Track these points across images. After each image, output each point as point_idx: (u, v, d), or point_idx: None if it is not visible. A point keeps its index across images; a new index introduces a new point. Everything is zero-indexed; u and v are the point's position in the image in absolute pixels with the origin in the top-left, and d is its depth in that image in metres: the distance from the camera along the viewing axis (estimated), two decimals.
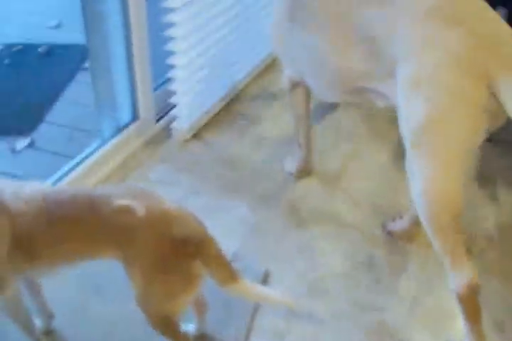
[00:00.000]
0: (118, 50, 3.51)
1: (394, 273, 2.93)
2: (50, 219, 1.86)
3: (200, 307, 2.43)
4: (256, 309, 2.67)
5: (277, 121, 4.01)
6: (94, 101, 3.68)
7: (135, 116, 3.73)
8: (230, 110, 4.17)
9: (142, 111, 3.72)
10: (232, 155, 3.74)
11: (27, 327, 2.13)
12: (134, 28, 3.41)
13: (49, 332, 2.42)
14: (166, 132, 3.83)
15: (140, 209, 2.03)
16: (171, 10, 3.40)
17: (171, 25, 3.48)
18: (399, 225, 2.93)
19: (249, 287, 2.14)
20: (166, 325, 2.17)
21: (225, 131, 3.97)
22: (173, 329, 2.19)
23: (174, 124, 3.77)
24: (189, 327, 2.52)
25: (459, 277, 2.05)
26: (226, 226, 3.13)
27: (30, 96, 4.38)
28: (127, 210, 2.03)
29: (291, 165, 3.50)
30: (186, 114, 3.81)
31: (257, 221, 3.20)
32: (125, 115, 3.74)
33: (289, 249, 2.91)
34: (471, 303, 2.06)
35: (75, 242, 2.02)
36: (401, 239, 3.11)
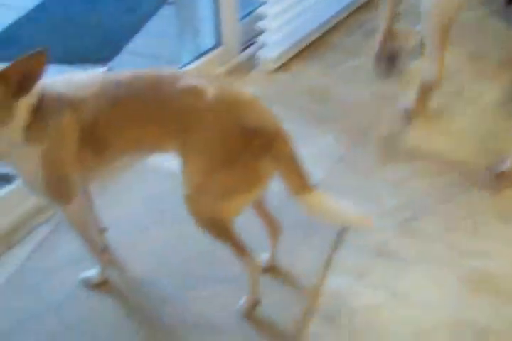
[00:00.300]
0: None
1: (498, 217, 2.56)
2: (111, 103, 1.74)
3: (274, 229, 2.18)
4: (337, 243, 2.44)
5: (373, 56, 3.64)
6: (178, 28, 3.57)
7: (218, 42, 3.53)
8: (322, 43, 3.94)
9: (226, 37, 3.50)
10: (322, 88, 3.49)
11: (92, 240, 2.05)
12: None
13: (105, 248, 2.25)
14: (252, 61, 3.54)
15: (209, 92, 1.77)
16: None
17: None
18: (506, 168, 2.64)
19: (323, 199, 1.85)
20: (217, 227, 1.92)
21: (315, 64, 3.73)
22: (226, 232, 1.92)
23: (260, 52, 3.49)
24: (262, 257, 2.27)
25: None
26: (310, 157, 2.74)
27: (112, 28, 4.41)
28: (194, 91, 1.79)
29: (408, 102, 3.20)
30: (274, 43, 3.59)
31: (345, 154, 2.96)
32: (207, 40, 3.56)
33: (378, 186, 2.78)
34: None
35: (138, 127, 1.83)
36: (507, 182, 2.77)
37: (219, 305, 2.15)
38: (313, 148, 2.95)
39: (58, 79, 1.77)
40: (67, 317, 2.12)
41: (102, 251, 2.11)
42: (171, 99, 1.78)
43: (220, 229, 1.89)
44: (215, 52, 3.49)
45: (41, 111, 1.67)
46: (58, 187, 1.82)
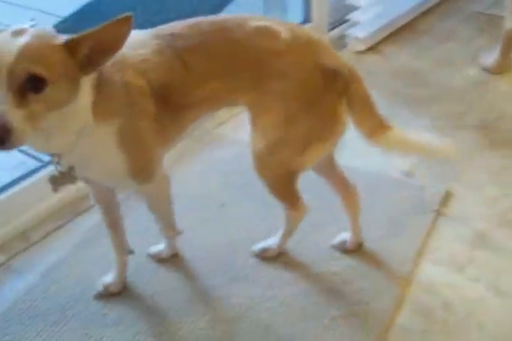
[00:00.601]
0: None
1: None
2: (175, 58, 1.57)
3: (349, 196, 2.05)
4: (431, 230, 2.26)
5: (469, 43, 3.56)
6: (265, 2, 3.47)
7: (306, 19, 3.39)
8: (414, 26, 3.78)
9: (315, 14, 3.37)
10: (414, 71, 3.33)
11: (170, 216, 1.94)
12: None
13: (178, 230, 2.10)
14: (340, 41, 3.37)
15: (283, 33, 1.62)
16: None
17: None
18: None
19: (404, 134, 1.73)
20: (286, 182, 1.83)
21: (407, 47, 3.57)
22: (292, 186, 1.83)
23: (350, 31, 3.31)
24: (343, 236, 2.16)
25: None
26: None
27: (197, 6, 4.23)
28: (268, 33, 1.63)
29: (488, 59, 3.10)
30: (365, 22, 3.46)
31: (440, 138, 2.58)
32: (295, 16, 3.44)
33: (477, 172, 2.58)
34: None
35: (213, 79, 1.65)
36: None
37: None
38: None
39: None
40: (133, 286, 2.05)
41: (175, 229, 1.97)
42: (243, 43, 1.61)
43: (288, 184, 1.81)
44: None
45: (104, 82, 1.44)
46: (143, 166, 1.61)
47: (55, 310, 1.98)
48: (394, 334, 1.88)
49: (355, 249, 2.10)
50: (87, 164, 1.54)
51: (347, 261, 2.09)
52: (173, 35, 1.56)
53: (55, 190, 1.63)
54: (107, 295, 2.00)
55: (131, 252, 2.03)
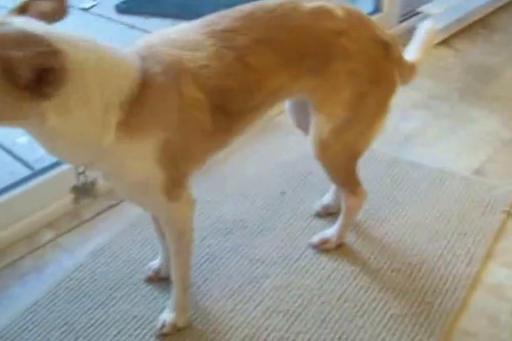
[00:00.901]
0: None
1: None
2: (237, 59, 1.45)
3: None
4: (500, 230, 2.16)
5: None
6: None
7: (377, 8, 3.31)
8: (488, 22, 3.66)
9: (386, 4, 3.28)
10: (488, 67, 3.21)
11: (186, 260, 1.72)
12: None
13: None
14: (410, 33, 3.21)
15: (338, 10, 1.56)
16: None
17: None
18: None
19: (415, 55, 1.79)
20: (350, 165, 1.81)
21: (478, 42, 3.46)
22: (354, 168, 1.83)
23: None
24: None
25: None
26: (471, 138, 2.65)
27: None
28: (325, 13, 1.56)
29: None
30: (437, 17, 3.32)
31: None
32: (366, 5, 3.33)
33: None
34: None
35: (277, 73, 1.54)
36: None
37: None
38: (475, 129, 2.70)
39: (151, 40, 1.43)
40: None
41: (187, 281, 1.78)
42: (304, 29, 1.53)
43: (351, 168, 1.80)
44: (373, 18, 3.13)
45: (148, 92, 1.32)
46: (179, 182, 1.50)
47: (103, 291, 1.93)
48: (456, 339, 1.77)
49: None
50: (115, 178, 1.45)
51: (410, 259, 1.99)
52: (228, 32, 1.44)
53: (77, 201, 1.55)
54: (157, 279, 1.92)
55: None
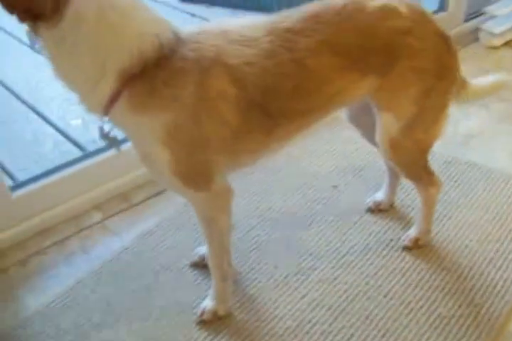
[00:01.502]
0: None
1: None
2: (293, 60, 1.43)
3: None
4: None
5: None
6: None
7: (442, 7, 3.30)
8: None
9: (452, 3, 3.26)
10: None
11: (224, 245, 1.70)
12: None
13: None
14: (474, 34, 3.23)
15: (402, 7, 1.55)
16: None
17: None
18: None
19: (477, 83, 1.80)
20: (422, 159, 1.82)
21: None
22: (427, 166, 1.84)
23: (485, 25, 3.15)
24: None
25: None
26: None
27: None
28: (390, 11, 1.54)
29: None
30: (503, 17, 3.29)
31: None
32: (431, 3, 3.31)
33: None
34: None
35: (337, 78, 1.54)
36: None
37: None
38: None
39: (207, 28, 1.44)
40: None
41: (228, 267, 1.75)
42: (371, 30, 1.52)
43: (423, 161, 1.80)
44: (437, 16, 3.24)
45: (169, 71, 1.33)
46: (194, 170, 1.47)
47: (147, 274, 1.96)
48: None
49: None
50: (132, 141, 1.47)
51: (460, 260, 1.97)
52: (291, 32, 1.42)
53: (103, 140, 1.56)
54: (202, 265, 1.93)
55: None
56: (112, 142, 1.53)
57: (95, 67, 1.33)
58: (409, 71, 1.57)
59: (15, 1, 1.20)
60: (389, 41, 1.52)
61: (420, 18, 1.57)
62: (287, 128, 1.57)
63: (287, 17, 1.48)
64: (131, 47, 1.31)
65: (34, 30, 1.29)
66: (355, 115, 1.82)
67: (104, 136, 1.54)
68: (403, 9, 1.53)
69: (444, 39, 1.59)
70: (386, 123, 1.64)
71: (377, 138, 1.69)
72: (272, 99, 1.45)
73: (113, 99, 1.36)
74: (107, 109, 1.38)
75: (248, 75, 1.38)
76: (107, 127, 1.54)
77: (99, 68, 1.33)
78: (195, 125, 1.38)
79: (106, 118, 1.45)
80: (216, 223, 1.62)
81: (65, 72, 1.36)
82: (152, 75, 1.32)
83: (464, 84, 1.73)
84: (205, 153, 1.45)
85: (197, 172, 1.47)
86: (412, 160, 1.77)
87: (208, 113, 1.38)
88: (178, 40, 1.35)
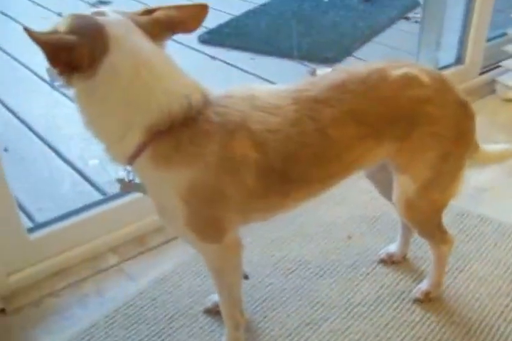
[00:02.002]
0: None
1: None
2: (317, 130, 1.50)
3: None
4: None
5: None
6: (418, 40, 3.48)
7: (459, 60, 3.40)
8: None
9: (469, 56, 3.36)
10: None
11: (235, 296, 1.77)
12: None
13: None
14: (489, 86, 3.30)
15: (423, 76, 1.62)
16: None
17: None
18: None
19: (490, 148, 1.87)
20: (436, 218, 1.89)
21: None
22: (441, 224, 1.92)
23: (501, 78, 3.22)
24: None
25: None
26: None
27: (344, 33, 4.46)
28: (412, 80, 1.62)
29: None
30: None
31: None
32: (447, 56, 3.42)
33: None
34: None
35: (357, 146, 1.62)
36: None
37: None
38: None
39: (235, 92, 1.50)
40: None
41: (240, 315, 1.80)
42: (393, 99, 1.59)
43: (437, 220, 1.87)
44: (453, 69, 3.35)
45: (189, 131, 1.41)
46: (208, 223, 1.54)
47: (161, 320, 2.01)
48: None
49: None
50: (149, 190, 1.54)
51: (470, 314, 2.03)
52: (315, 101, 1.49)
53: (122, 190, 1.65)
54: (216, 312, 1.96)
55: (246, 277, 2.05)
56: (136, 188, 1.61)
57: (124, 120, 1.42)
58: (428, 136, 1.63)
59: (57, 55, 1.29)
60: (410, 110, 1.59)
61: (441, 86, 1.63)
62: (305, 191, 1.65)
63: (313, 85, 1.55)
64: (161, 105, 1.40)
65: (68, 81, 1.38)
66: (372, 172, 1.88)
67: (126, 185, 1.61)
68: (424, 78, 1.60)
69: (463, 106, 1.65)
70: (403, 184, 1.71)
71: (394, 198, 1.76)
72: (292, 165, 1.52)
73: (138, 152, 1.44)
74: (130, 160, 1.46)
75: (270, 142, 1.44)
76: (130, 175, 1.63)
77: (128, 122, 1.42)
78: (214, 184, 1.45)
79: (128, 167, 1.53)
80: (225, 275, 1.69)
81: (94, 122, 1.44)
82: (178, 133, 1.40)
83: (476, 148, 1.77)
84: (221, 210, 1.51)
85: (211, 226, 1.53)
86: (426, 219, 1.83)
87: (229, 174, 1.44)
88: (207, 102, 1.42)
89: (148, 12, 1.43)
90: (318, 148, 1.54)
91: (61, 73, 1.35)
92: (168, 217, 1.56)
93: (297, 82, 1.61)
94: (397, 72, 1.60)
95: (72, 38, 1.30)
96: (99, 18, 1.35)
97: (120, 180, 1.65)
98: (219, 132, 1.42)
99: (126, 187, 1.64)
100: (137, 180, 1.64)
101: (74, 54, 1.30)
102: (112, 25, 1.36)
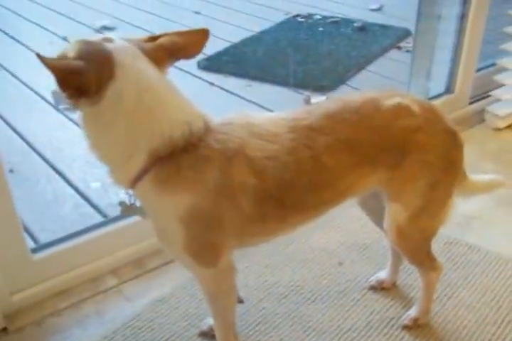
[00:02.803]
0: (449, 30, 3.34)
1: None
2: (312, 158, 1.52)
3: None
4: None
5: None
6: (410, 69, 3.51)
7: (449, 89, 3.42)
8: None
9: (459, 86, 3.38)
10: None
11: (228, 318, 1.77)
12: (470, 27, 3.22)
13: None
14: (479, 115, 3.34)
15: (414, 106, 1.65)
16: None
17: None
18: None
19: (476, 178, 1.89)
20: (426, 245, 1.91)
21: None
22: (430, 252, 1.93)
23: (491, 107, 3.27)
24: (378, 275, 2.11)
25: None
26: None
27: (338, 61, 4.51)
28: (403, 110, 1.65)
29: None
30: (508, 100, 3.40)
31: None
32: (438, 86, 3.44)
33: None
34: None
35: (349, 174, 1.64)
36: None
37: None
38: None
39: (234, 120, 1.52)
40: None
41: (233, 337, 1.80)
42: (385, 129, 1.62)
43: (427, 248, 1.89)
44: (444, 98, 3.37)
45: (190, 158, 1.43)
46: (205, 248, 1.55)
47: None
48: None
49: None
50: (148, 214, 1.56)
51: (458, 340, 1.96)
52: (311, 130, 1.51)
53: (123, 213, 1.67)
54: (211, 335, 1.97)
55: (241, 301, 2.06)
56: (136, 211, 1.63)
57: (127, 145, 1.44)
58: (419, 164, 1.66)
59: (66, 79, 1.32)
60: (401, 139, 1.62)
61: (431, 115, 1.67)
62: (300, 217, 1.67)
63: (309, 113, 1.58)
64: (163, 131, 1.42)
65: (76, 105, 1.41)
66: (364, 199, 1.92)
67: (127, 208, 1.64)
68: (415, 108, 1.64)
69: (452, 135, 1.68)
70: (395, 212, 1.73)
71: (385, 225, 1.78)
72: (288, 192, 1.54)
73: (140, 176, 1.46)
74: (133, 183, 1.48)
75: (268, 169, 1.46)
76: (132, 199, 1.66)
77: (131, 147, 1.44)
78: (213, 209, 1.46)
79: (130, 191, 1.55)
80: (220, 299, 1.71)
81: (99, 146, 1.47)
82: (179, 159, 1.42)
83: (464, 177, 1.80)
84: (218, 234, 1.53)
85: (207, 250, 1.55)
86: (416, 246, 1.85)
87: (227, 200, 1.46)
88: (207, 129, 1.45)
89: (153, 38, 1.47)
90: (314, 176, 1.56)
91: (69, 97, 1.38)
92: (166, 241, 1.58)
93: (294, 110, 1.65)
94: (389, 102, 1.63)
95: (80, 63, 1.33)
96: (107, 45, 1.37)
97: (122, 203, 1.67)
98: (219, 159, 1.44)
99: (128, 210, 1.66)
100: (138, 204, 1.64)
101: (82, 79, 1.33)
102: (118, 52, 1.38)
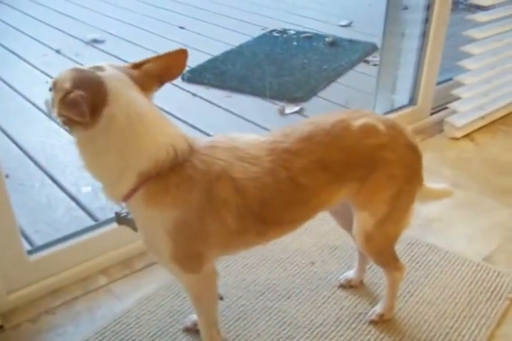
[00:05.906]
0: (412, 47, 3.41)
1: None
2: (289, 179, 1.56)
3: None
4: (503, 315, 2.21)
5: None
6: (376, 82, 3.57)
7: (412, 101, 3.48)
8: (508, 120, 3.75)
9: (421, 98, 3.44)
10: (502, 162, 3.28)
11: (211, 319, 1.81)
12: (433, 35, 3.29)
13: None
14: (438, 126, 3.41)
15: (380, 125, 1.70)
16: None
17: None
18: None
19: (431, 187, 1.91)
20: (390, 248, 1.95)
21: (501, 138, 3.54)
22: (393, 249, 1.93)
23: (449, 119, 3.33)
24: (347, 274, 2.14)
25: None
26: (482, 227, 2.70)
27: (311, 74, 4.54)
28: (371, 129, 1.69)
29: None
30: (465, 112, 3.47)
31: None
32: (402, 98, 3.50)
33: None
34: None
35: (323, 191, 1.68)
36: None
37: None
38: (490, 219, 2.75)
39: (219, 143, 1.54)
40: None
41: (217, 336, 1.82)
42: (355, 148, 1.65)
43: (391, 250, 1.92)
44: (407, 110, 3.42)
45: (176, 178, 1.45)
46: (190, 256, 1.58)
47: (145, 337, 2.02)
48: None
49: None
50: (139, 228, 1.57)
51: (419, 335, 2.06)
52: (288, 152, 1.54)
53: (117, 223, 1.69)
54: (195, 330, 2.00)
55: (221, 298, 2.09)
56: (129, 223, 1.64)
57: (118, 166, 1.46)
58: (385, 178, 1.69)
59: (64, 111, 1.35)
60: (368, 155, 1.66)
61: (395, 133, 1.70)
62: (278, 231, 1.71)
63: (286, 136, 1.61)
64: (150, 154, 1.45)
65: (70, 130, 1.43)
66: (334, 207, 1.93)
67: (121, 218, 1.68)
68: (381, 126, 1.67)
69: (413, 149, 1.72)
70: (363, 220, 1.77)
71: (354, 231, 1.81)
72: (268, 209, 1.57)
73: (131, 193, 1.49)
74: (124, 199, 1.50)
75: (249, 188, 1.49)
76: (123, 211, 1.68)
77: (122, 168, 1.46)
78: (198, 224, 1.49)
79: (122, 204, 1.58)
80: (203, 300, 1.74)
81: (92, 166, 1.48)
82: (167, 178, 1.45)
83: (422, 184, 1.81)
84: (202, 246, 1.56)
85: (192, 259, 1.57)
86: (382, 249, 1.88)
87: (211, 216, 1.49)
88: (192, 150, 1.47)
89: (136, 66, 1.48)
90: (290, 195, 1.59)
91: (65, 123, 1.38)
92: (154, 250, 1.61)
93: (272, 131, 1.70)
94: (357, 123, 1.66)
95: (80, 93, 1.34)
96: (99, 73, 1.39)
97: (117, 214, 1.69)
98: (203, 178, 1.48)
99: (121, 221, 1.67)
100: (130, 216, 1.65)
101: (82, 108, 1.34)
102: (110, 80, 1.40)
